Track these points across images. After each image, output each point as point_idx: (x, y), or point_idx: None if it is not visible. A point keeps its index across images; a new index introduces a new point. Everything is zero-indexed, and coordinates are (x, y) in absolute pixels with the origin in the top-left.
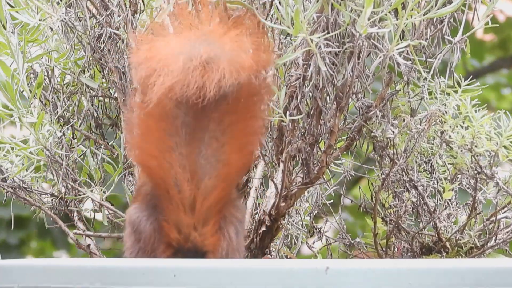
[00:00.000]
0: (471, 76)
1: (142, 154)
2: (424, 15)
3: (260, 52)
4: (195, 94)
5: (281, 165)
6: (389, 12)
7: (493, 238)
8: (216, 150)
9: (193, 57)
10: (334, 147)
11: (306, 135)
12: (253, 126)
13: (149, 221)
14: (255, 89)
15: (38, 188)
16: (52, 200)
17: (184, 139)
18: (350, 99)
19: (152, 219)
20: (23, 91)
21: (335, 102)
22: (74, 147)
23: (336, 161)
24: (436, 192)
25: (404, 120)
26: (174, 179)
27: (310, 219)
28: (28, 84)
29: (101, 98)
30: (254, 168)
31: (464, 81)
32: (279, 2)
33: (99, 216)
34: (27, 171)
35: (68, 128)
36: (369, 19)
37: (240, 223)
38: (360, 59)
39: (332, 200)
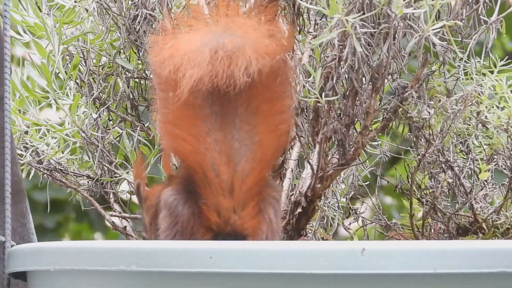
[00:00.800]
0: (507, 57)
1: (175, 140)
2: None
3: (280, 38)
4: (225, 83)
5: (317, 146)
6: None
7: None
8: (249, 133)
9: (218, 48)
10: (370, 128)
11: (341, 116)
12: (282, 105)
13: (187, 204)
14: (278, 70)
15: (74, 170)
16: (88, 182)
17: (216, 125)
18: (385, 80)
19: (190, 203)
20: (58, 73)
21: (370, 83)
22: (110, 129)
23: (372, 142)
24: (472, 173)
25: (440, 101)
26: (211, 163)
27: (346, 201)
28: (63, 66)
29: (136, 80)
30: (290, 150)
31: (501, 61)
32: None
33: (135, 198)
34: (63, 153)
35: (103, 110)
36: None
37: (277, 202)
38: (396, 39)
39: (368, 182)
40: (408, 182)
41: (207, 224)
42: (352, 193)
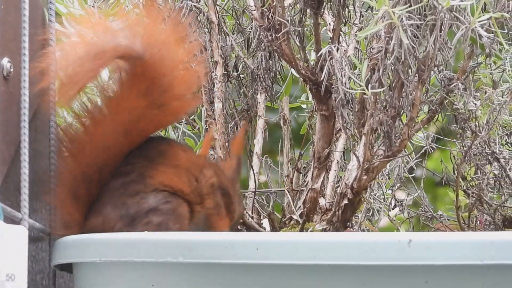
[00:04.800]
0: None
1: None
2: None
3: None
4: None
5: (363, 138)
6: None
7: None
8: None
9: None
10: (416, 120)
11: (388, 107)
12: None
13: None
14: None
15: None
16: None
17: None
18: (432, 72)
19: None
20: None
21: (417, 75)
22: None
23: (417, 134)
24: None
25: (486, 93)
26: None
27: (392, 192)
28: None
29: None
30: (336, 142)
31: None
32: None
33: None
34: None
35: None
36: None
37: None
38: (442, 31)
39: (414, 174)
40: (454, 174)
41: None
42: (398, 185)
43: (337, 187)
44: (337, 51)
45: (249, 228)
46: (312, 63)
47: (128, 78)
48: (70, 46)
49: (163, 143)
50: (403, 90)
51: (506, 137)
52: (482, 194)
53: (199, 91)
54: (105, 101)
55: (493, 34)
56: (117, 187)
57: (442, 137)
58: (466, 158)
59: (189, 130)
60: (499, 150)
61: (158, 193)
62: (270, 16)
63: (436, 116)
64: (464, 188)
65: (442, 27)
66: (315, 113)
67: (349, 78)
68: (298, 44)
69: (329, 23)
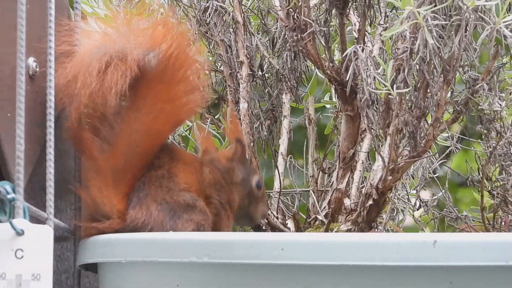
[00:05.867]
0: None
1: None
2: None
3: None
4: None
5: (388, 138)
6: None
7: None
8: None
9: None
10: (441, 120)
11: (413, 108)
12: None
13: None
14: None
15: None
16: None
17: None
18: (457, 72)
19: None
20: None
21: (442, 75)
22: None
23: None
24: None
25: (511, 93)
26: None
27: (416, 193)
28: None
29: (207, 72)
30: (361, 142)
31: None
32: None
33: None
34: None
35: None
36: None
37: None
38: (467, 32)
39: (437, 174)
40: (479, 174)
41: None
42: (423, 185)
43: (362, 187)
44: (362, 51)
45: (274, 228)
46: (337, 63)
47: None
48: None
49: (168, 144)
50: (428, 90)
51: None
52: (507, 195)
53: (225, 92)
54: (128, 102)
55: None
56: (152, 180)
57: (467, 138)
58: (491, 158)
59: (214, 130)
60: None
61: (187, 193)
62: (295, 16)
63: (461, 116)
64: (489, 188)
65: (467, 28)
66: (340, 113)
67: (374, 78)
68: (324, 44)
69: (354, 23)
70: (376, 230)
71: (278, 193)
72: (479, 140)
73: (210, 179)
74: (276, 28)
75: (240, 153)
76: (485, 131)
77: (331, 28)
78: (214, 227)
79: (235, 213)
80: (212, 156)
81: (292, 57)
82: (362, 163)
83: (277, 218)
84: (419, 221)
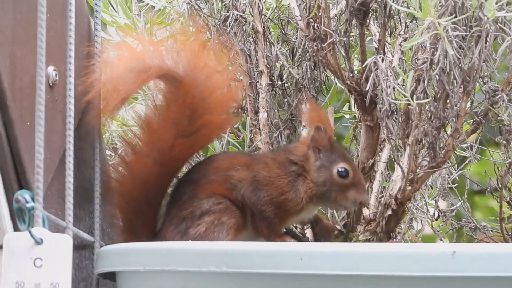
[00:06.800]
0: None
1: None
2: None
3: None
4: None
5: (408, 148)
6: None
7: None
8: None
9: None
10: (461, 131)
11: (432, 118)
12: None
13: None
14: None
15: None
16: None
17: None
18: (477, 83)
19: None
20: None
21: (462, 86)
22: None
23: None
24: None
25: None
26: None
27: (435, 203)
28: None
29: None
30: (380, 152)
31: None
32: None
33: None
34: None
35: None
36: (496, 2)
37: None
38: (487, 43)
39: (456, 184)
40: (498, 185)
41: None
42: (441, 195)
43: (381, 197)
44: (382, 62)
45: (292, 237)
46: (357, 73)
47: (165, 102)
48: (117, 59)
49: (205, 162)
50: (448, 101)
51: None
52: None
53: (244, 101)
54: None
55: None
56: (173, 212)
57: (486, 148)
58: (510, 169)
59: (233, 139)
60: None
61: (210, 198)
62: (315, 26)
63: (480, 127)
64: (508, 199)
65: (487, 39)
66: (360, 123)
67: (394, 88)
68: (343, 54)
69: (375, 34)
70: (394, 240)
71: None
72: (498, 151)
73: (242, 178)
74: (296, 38)
75: (319, 140)
76: (504, 142)
77: (351, 39)
78: (254, 227)
79: (318, 200)
80: (289, 147)
81: (312, 67)
82: (381, 173)
83: (296, 227)
84: (437, 231)
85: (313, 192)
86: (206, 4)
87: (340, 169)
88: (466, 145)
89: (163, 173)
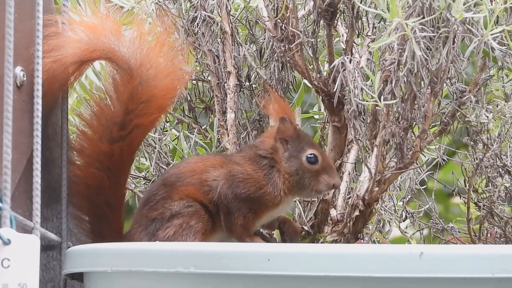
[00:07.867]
0: None
1: None
2: None
3: None
4: None
5: (375, 149)
6: None
7: None
8: None
9: None
10: (428, 132)
11: (400, 119)
12: None
13: None
14: None
15: (131, 172)
16: (145, 183)
17: None
18: (444, 84)
19: None
20: None
21: (429, 87)
22: (167, 131)
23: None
24: None
25: (498, 105)
26: None
27: (403, 204)
28: None
29: (194, 82)
30: (348, 153)
31: None
32: None
33: None
34: None
35: None
36: (464, 3)
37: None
38: (455, 44)
39: (425, 186)
40: (465, 186)
41: None
42: (409, 196)
43: (349, 198)
44: (350, 63)
45: (261, 238)
46: (324, 74)
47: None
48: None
49: (179, 166)
50: (416, 102)
51: None
52: (493, 207)
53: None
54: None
55: (505, 47)
56: (144, 213)
57: (454, 150)
58: (478, 170)
59: (201, 140)
60: (510, 163)
61: (182, 200)
62: (283, 27)
63: (448, 128)
64: (475, 200)
65: (455, 40)
66: (327, 124)
67: (362, 89)
68: (311, 55)
69: (342, 35)
70: (362, 241)
71: None
72: (466, 152)
73: (237, 171)
74: (264, 39)
75: (285, 131)
76: (472, 143)
77: (318, 39)
78: (227, 227)
79: (295, 190)
80: (255, 143)
81: (280, 67)
82: (349, 174)
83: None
84: (405, 232)
85: (290, 183)
86: (174, 4)
87: (309, 156)
88: (434, 146)
89: (113, 178)
